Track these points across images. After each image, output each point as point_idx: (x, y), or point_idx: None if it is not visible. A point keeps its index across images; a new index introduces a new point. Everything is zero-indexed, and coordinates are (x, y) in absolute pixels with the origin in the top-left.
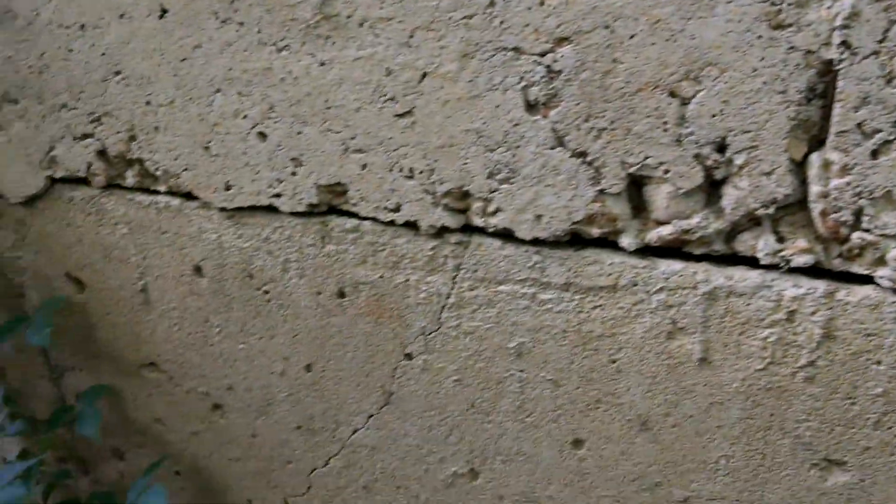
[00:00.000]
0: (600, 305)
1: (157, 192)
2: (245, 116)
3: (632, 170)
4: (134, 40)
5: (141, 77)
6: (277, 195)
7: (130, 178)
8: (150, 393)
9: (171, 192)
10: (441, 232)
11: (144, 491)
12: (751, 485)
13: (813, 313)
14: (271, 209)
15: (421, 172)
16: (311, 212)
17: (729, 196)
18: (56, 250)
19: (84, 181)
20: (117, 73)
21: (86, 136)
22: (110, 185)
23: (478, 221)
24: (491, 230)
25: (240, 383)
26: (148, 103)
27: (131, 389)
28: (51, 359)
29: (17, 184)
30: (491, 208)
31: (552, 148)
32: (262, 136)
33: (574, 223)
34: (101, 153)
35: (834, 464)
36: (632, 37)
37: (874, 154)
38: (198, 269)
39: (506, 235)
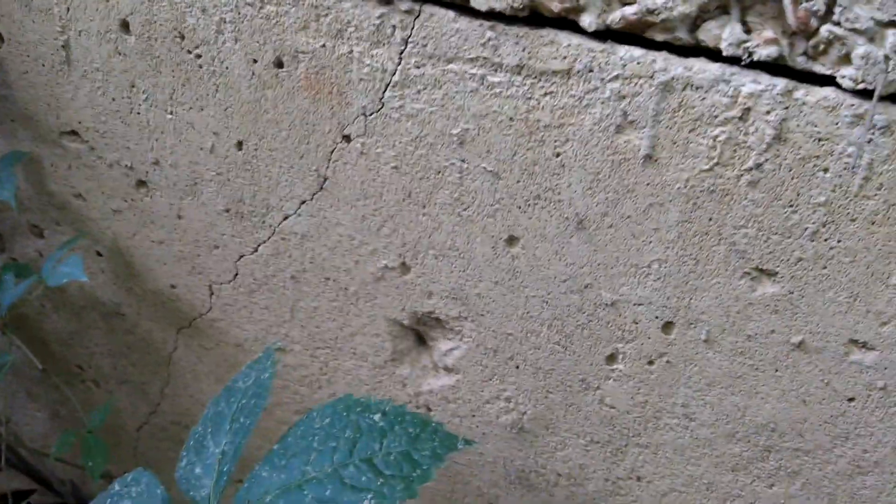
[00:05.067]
0: (551, 92)
1: None
2: None
3: None
4: None
5: None
6: None
7: None
8: (70, 165)
9: None
10: None
11: (60, 262)
12: (680, 291)
13: (768, 112)
14: None
15: None
16: None
17: None
18: None
19: None
20: None
21: None
22: None
23: None
24: None
25: (166, 158)
26: None
27: (50, 160)
28: None
29: None
30: None
31: None
32: None
33: None
34: None
35: (765, 274)
36: None
37: None
38: (125, 25)
39: (459, 6)
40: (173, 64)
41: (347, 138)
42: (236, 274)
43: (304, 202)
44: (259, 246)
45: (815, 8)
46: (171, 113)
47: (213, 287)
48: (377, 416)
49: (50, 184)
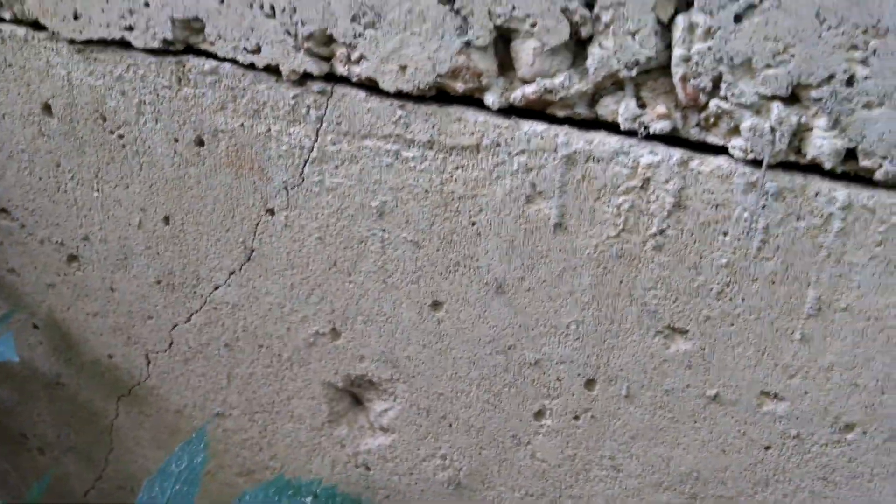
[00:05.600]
0: (462, 166)
1: (1, 20)
2: None
3: (499, 21)
4: None
5: None
6: (129, 28)
7: None
8: (2, 242)
9: (16, 20)
10: (304, 79)
11: None
12: (598, 349)
13: (666, 181)
14: (124, 44)
15: (283, 10)
16: (166, 49)
17: (594, 55)
18: None
19: None
20: None
21: None
22: None
23: (341, 70)
24: (354, 80)
25: (95, 234)
26: None
27: None
28: None
29: None
30: (355, 56)
31: None
32: None
33: (439, 76)
34: None
35: (677, 332)
36: None
37: (738, 18)
38: (47, 108)
39: (370, 87)
40: (97, 144)
41: (271, 211)
42: (171, 343)
43: (232, 273)
44: (192, 315)
45: (702, 85)
46: (98, 190)
47: (149, 356)
48: (308, 499)
49: None
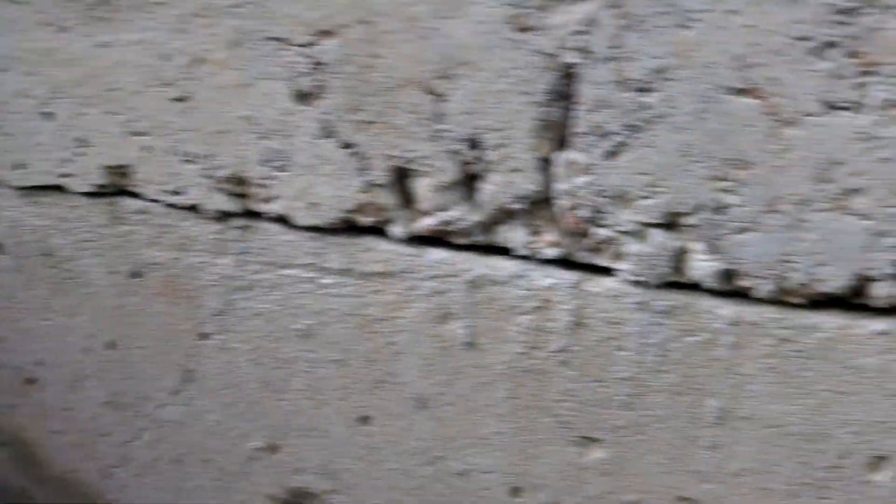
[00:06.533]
0: (377, 290)
1: None
2: (31, 96)
3: (395, 162)
4: None
5: None
6: (66, 175)
7: None
8: None
9: None
10: (224, 216)
11: None
12: (519, 458)
13: (564, 302)
14: (63, 189)
15: (201, 157)
16: (101, 192)
17: (484, 191)
18: None
19: None
20: None
21: None
22: None
23: (257, 207)
24: (270, 216)
25: (49, 358)
26: None
27: None
28: None
29: None
30: (268, 195)
31: (322, 138)
32: (49, 115)
33: (346, 212)
34: None
35: (590, 441)
36: (389, 33)
37: (610, 155)
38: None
39: (285, 221)
40: (45, 278)
41: (205, 336)
42: (124, 459)
43: (175, 392)
44: (142, 433)
45: (584, 215)
46: (49, 319)
47: (106, 471)
48: None
49: None
